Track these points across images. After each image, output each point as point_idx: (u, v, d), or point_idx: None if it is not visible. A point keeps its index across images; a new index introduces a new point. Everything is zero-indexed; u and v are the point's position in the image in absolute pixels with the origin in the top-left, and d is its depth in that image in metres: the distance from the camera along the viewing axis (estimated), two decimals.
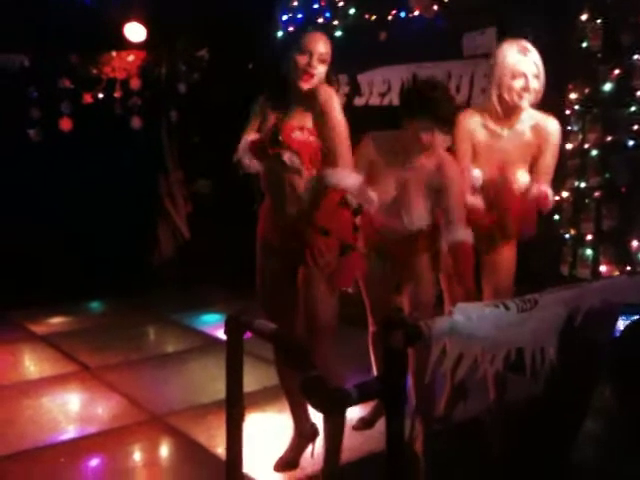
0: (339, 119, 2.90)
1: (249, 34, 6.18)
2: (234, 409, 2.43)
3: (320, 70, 2.91)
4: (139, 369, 4.62)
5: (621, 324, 2.83)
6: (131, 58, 6.21)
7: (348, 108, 5.68)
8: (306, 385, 2.10)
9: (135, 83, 6.22)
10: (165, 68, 6.35)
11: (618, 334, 2.85)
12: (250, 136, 3.02)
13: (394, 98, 5.42)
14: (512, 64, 3.19)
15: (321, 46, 2.90)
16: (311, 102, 2.91)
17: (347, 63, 5.66)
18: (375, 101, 5.56)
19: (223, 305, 5.62)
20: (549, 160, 3.31)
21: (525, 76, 3.19)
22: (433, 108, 3.00)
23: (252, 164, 3.02)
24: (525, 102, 3.22)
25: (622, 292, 2.57)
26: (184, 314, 5.75)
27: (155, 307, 5.89)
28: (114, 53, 6.15)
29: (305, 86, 2.90)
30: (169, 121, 6.49)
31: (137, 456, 3.54)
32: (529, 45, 3.24)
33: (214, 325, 5.31)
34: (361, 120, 5.53)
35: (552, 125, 3.32)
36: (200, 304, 5.94)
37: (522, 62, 3.19)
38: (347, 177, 2.86)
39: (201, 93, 6.48)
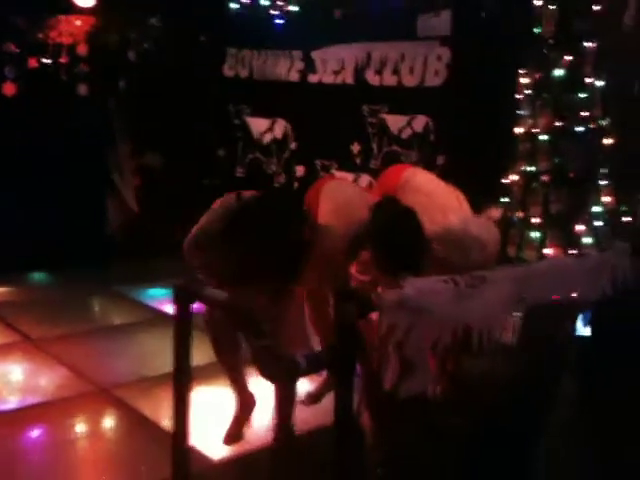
0: None
1: (203, 4, 6.07)
2: (181, 380, 2.41)
3: None
4: (85, 341, 4.55)
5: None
6: (79, 23, 6.01)
7: (301, 84, 5.72)
8: (256, 354, 2.10)
9: (82, 49, 6.03)
10: (115, 35, 6.18)
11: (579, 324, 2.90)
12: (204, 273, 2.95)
13: (347, 77, 5.42)
14: None
15: None
16: None
17: (302, 39, 5.65)
18: (329, 79, 5.55)
19: (172, 279, 5.54)
20: None
21: None
22: None
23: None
24: None
25: (571, 280, 2.61)
26: (132, 287, 5.67)
27: (103, 280, 5.78)
28: (61, 17, 5.95)
29: None
30: (118, 90, 6.34)
31: (81, 427, 3.50)
32: None
33: (162, 299, 5.24)
34: (314, 97, 5.61)
35: None
36: (149, 278, 5.84)
37: None
38: None
39: (152, 63, 6.33)
